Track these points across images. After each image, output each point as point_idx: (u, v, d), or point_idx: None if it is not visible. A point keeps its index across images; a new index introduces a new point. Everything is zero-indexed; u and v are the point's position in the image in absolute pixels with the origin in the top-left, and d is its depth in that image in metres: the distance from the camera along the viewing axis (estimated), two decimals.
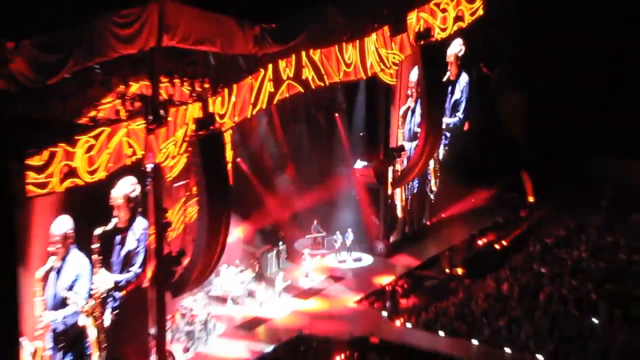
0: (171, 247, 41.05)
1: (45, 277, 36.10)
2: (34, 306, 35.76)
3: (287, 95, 44.80)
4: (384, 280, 48.42)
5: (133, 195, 38.71)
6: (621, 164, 55.19)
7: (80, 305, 36.91)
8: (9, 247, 35.08)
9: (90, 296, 37.33)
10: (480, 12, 51.54)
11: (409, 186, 52.32)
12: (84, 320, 37.20)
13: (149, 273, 40.35)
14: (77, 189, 36.15)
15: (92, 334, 37.52)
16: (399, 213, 52.03)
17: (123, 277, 38.74)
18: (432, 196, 54.31)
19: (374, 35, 47.07)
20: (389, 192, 50.77)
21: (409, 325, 44.68)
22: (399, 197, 51.84)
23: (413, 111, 50.99)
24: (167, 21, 38.41)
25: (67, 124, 37.24)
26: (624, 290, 45.76)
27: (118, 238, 38.57)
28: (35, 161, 35.45)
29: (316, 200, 50.41)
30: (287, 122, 49.02)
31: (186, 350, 42.67)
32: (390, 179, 50.49)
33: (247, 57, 41.85)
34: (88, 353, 37.66)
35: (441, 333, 43.85)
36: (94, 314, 37.53)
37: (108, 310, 38.22)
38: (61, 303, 36.45)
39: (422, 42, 48.72)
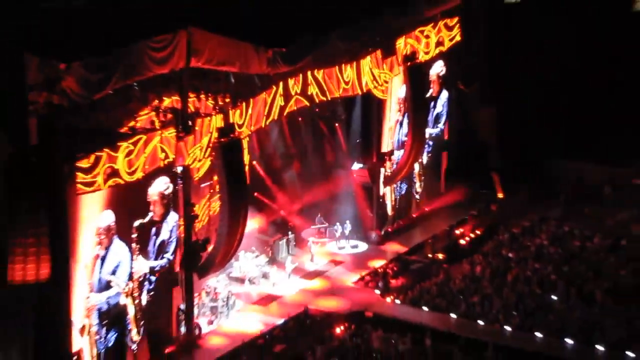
0: (198, 236, 41.18)
1: (92, 264, 36.11)
2: (82, 289, 35.71)
3: (295, 108, 44.80)
4: (377, 263, 48.26)
5: (166, 192, 38.99)
6: (575, 165, 55.04)
7: (121, 288, 37.08)
8: (61, 239, 34.94)
9: (130, 279, 37.46)
10: (458, 38, 51.45)
11: (398, 188, 51.97)
12: (124, 300, 37.39)
13: (179, 258, 40.36)
14: (118, 188, 36.19)
15: (131, 311, 37.71)
16: (390, 210, 51.69)
17: (157, 264, 39.04)
18: (417, 196, 53.89)
19: (368, 58, 46.98)
20: (381, 191, 50.45)
21: (398, 301, 44.55)
22: (389, 197, 51.53)
23: (401, 123, 50.82)
24: (195, 46, 38.46)
25: (110, 132, 37.17)
26: (578, 272, 45.52)
27: (153, 229, 38.80)
28: (84, 164, 35.50)
29: (320, 196, 50.32)
30: (295, 131, 48.88)
31: (210, 322, 42.61)
32: (382, 179, 50.21)
33: (261, 76, 41.78)
34: (128, 328, 37.80)
35: (425, 308, 43.70)
36: (133, 295, 37.72)
37: (145, 291, 38.42)
38: (105, 286, 36.62)
39: (408, 64, 48.65)
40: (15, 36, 35.98)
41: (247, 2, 41.95)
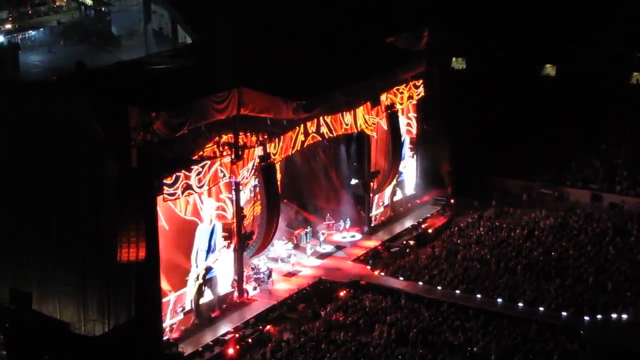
0: (246, 229, 41.16)
1: None
2: None
3: (312, 142, 44.77)
4: (368, 247, 47.61)
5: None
6: (503, 179, 54.60)
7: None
8: (153, 231, 35.16)
9: None
10: (422, 93, 50.91)
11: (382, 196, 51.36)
12: None
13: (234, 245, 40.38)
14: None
15: None
16: (376, 210, 51.14)
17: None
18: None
19: (361, 107, 46.64)
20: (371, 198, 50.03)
21: (382, 274, 44.34)
22: (376, 202, 50.88)
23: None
24: (243, 100, 38.75)
25: (185, 159, 37.40)
26: (505, 252, 45.30)
27: None
28: (168, 181, 35.76)
29: (329, 202, 49.59)
30: (312, 157, 48.41)
31: (254, 288, 42.56)
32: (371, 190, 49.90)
33: (288, 120, 41.74)
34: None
35: (401, 278, 43.57)
36: None
37: None
38: None
39: (389, 111, 48.29)
40: (122, 92, 36.44)
41: (278, 70, 42.04)
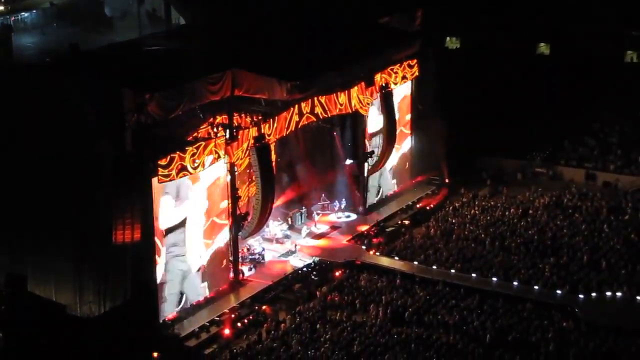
0: (241, 210, 41.09)
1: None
2: None
3: (307, 122, 44.63)
4: (363, 228, 47.73)
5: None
6: (497, 159, 54.60)
7: None
8: (148, 213, 35.19)
9: None
10: (417, 73, 50.70)
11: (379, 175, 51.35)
12: None
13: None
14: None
15: None
16: (371, 191, 51.05)
17: None
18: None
19: (355, 87, 46.46)
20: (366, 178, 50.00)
21: (377, 254, 44.34)
22: (372, 182, 50.82)
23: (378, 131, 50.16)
24: (237, 81, 38.73)
25: (180, 140, 37.43)
26: (500, 232, 45.25)
27: None
28: (163, 162, 35.77)
29: (323, 182, 49.54)
30: (307, 138, 48.21)
31: (250, 269, 42.52)
32: (365, 170, 49.77)
33: (283, 100, 41.65)
34: None
35: (396, 258, 43.57)
36: None
37: None
38: None
39: (383, 91, 48.19)
40: (116, 74, 36.36)
41: (272, 49, 41.91)
